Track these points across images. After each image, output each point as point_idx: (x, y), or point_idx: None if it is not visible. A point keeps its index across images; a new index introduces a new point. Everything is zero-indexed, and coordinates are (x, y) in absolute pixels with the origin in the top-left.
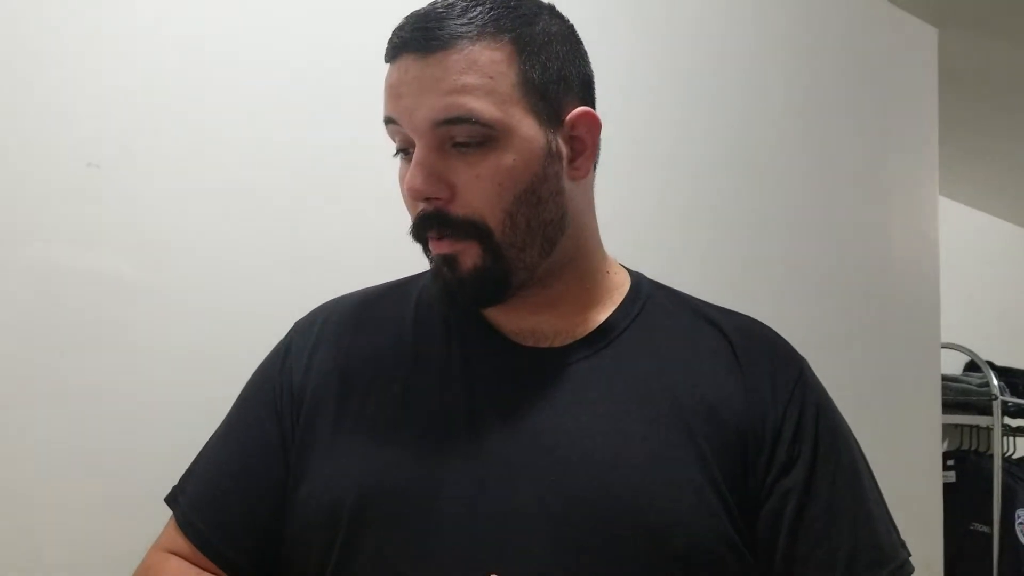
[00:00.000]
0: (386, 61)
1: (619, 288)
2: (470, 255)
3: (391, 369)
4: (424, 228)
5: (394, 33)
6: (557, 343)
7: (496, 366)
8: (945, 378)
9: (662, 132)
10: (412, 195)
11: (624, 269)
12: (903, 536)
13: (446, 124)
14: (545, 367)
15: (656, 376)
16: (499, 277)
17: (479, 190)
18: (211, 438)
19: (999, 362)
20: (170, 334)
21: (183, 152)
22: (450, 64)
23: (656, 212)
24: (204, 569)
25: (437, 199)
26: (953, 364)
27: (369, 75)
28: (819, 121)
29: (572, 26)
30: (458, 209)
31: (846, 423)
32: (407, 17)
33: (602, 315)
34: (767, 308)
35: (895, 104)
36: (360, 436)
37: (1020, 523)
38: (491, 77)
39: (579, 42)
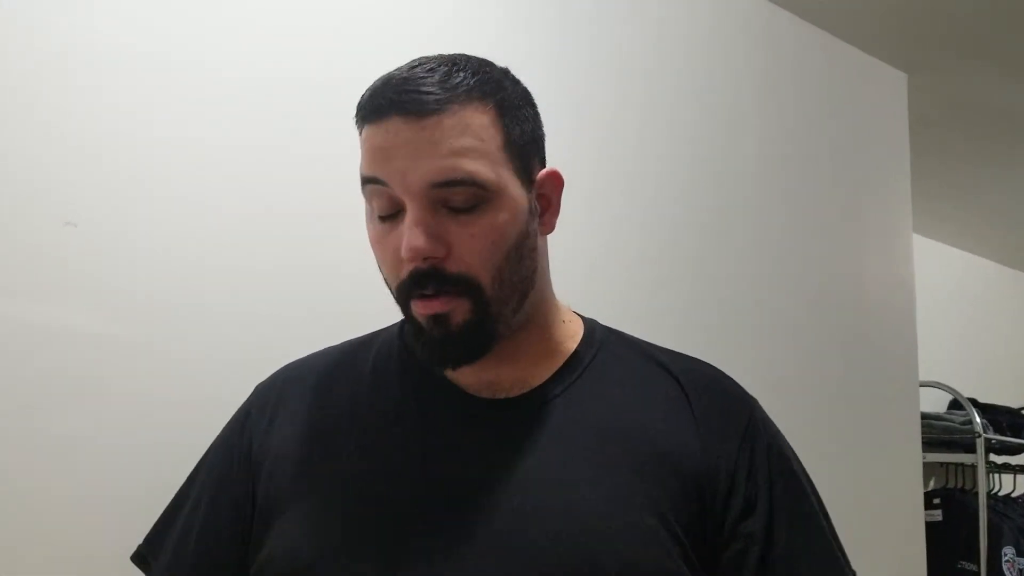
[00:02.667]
0: (364, 122)
1: (573, 336)
2: (460, 311)
3: (348, 432)
4: (418, 285)
5: (373, 95)
6: (513, 393)
7: (451, 420)
8: (928, 416)
9: (637, 179)
10: (414, 254)
11: (578, 316)
12: None
13: (443, 186)
14: (499, 417)
15: (609, 422)
16: (487, 331)
17: (473, 248)
18: (172, 502)
19: (982, 399)
20: (146, 390)
21: (160, 211)
22: (445, 128)
23: (632, 262)
24: None
25: (434, 257)
26: (936, 402)
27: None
28: (792, 165)
29: (527, 88)
30: (452, 266)
31: (798, 459)
32: (384, 81)
33: (557, 364)
34: (741, 352)
35: (867, 148)
36: (318, 500)
37: (1007, 560)
38: (483, 140)
39: (535, 103)
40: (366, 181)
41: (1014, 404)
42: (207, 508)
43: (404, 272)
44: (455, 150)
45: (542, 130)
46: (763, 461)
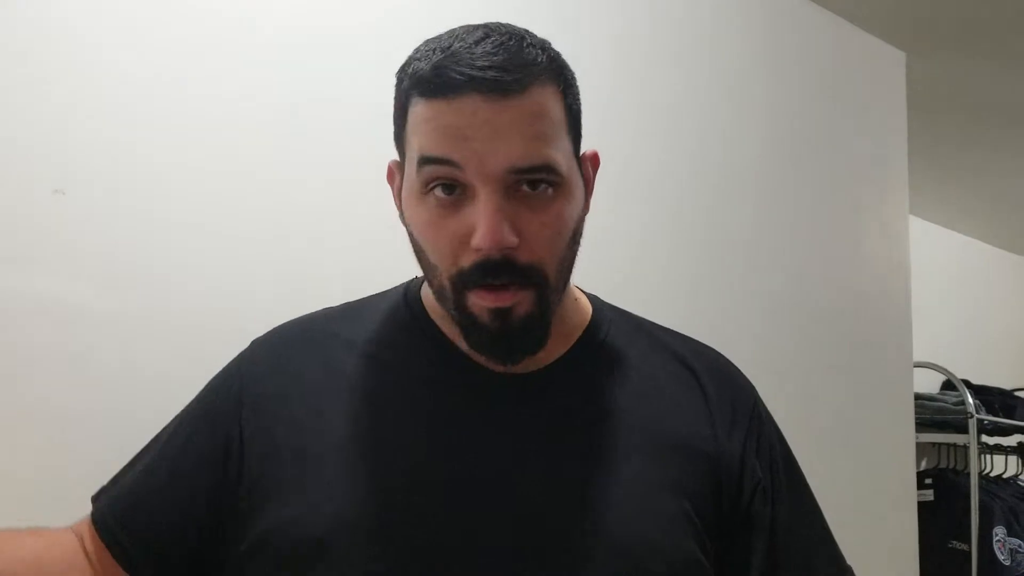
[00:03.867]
0: (428, 96)
1: (583, 315)
2: (524, 304)
3: (356, 394)
4: (490, 275)
5: (440, 68)
6: (529, 369)
7: (468, 394)
8: (921, 397)
9: (635, 156)
10: (494, 244)
11: (583, 293)
12: (881, 555)
13: (522, 172)
14: (515, 393)
15: (623, 402)
16: (546, 322)
17: (543, 237)
18: (146, 447)
19: (976, 381)
20: (136, 360)
21: (150, 178)
22: (525, 110)
23: (635, 241)
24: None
25: (509, 247)
26: (930, 383)
27: (340, 106)
28: (789, 144)
29: None
30: (523, 256)
31: (787, 445)
32: (447, 53)
33: (569, 342)
34: (736, 332)
35: (864, 127)
36: (324, 465)
37: (998, 540)
38: (555, 123)
39: None
40: (430, 161)
41: (1007, 386)
42: (180, 464)
43: (467, 260)
44: (536, 135)
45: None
46: (767, 448)
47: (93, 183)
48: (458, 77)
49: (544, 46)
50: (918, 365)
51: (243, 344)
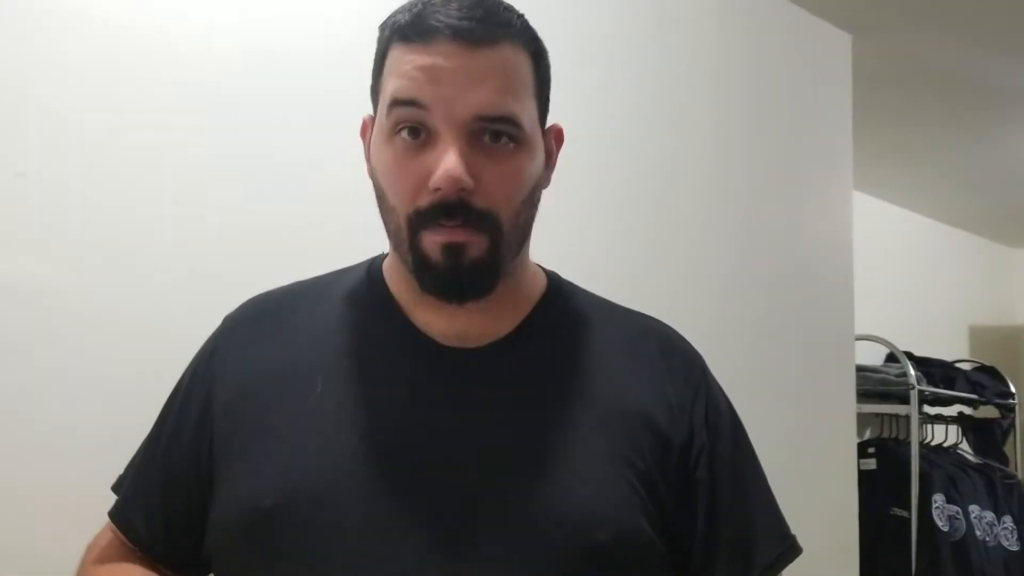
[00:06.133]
0: (404, 41)
1: (539, 288)
2: (477, 247)
3: (311, 370)
4: (444, 215)
5: (419, 16)
6: (482, 343)
7: (419, 367)
8: (864, 369)
9: (582, 132)
10: (451, 184)
11: (540, 268)
12: (823, 522)
13: (487, 120)
14: (466, 366)
15: (574, 374)
16: (496, 271)
17: (501, 186)
18: (148, 435)
19: (918, 353)
20: (97, 342)
21: (114, 161)
22: (496, 61)
23: (585, 214)
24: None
25: (463, 190)
26: (874, 355)
27: (309, 77)
28: (736, 122)
29: None
30: (479, 201)
31: (736, 413)
32: (425, 4)
33: (522, 315)
34: (681, 304)
35: (810, 107)
36: (280, 439)
37: (937, 507)
38: (524, 83)
39: None
40: (399, 103)
41: (948, 358)
42: (165, 454)
43: (424, 201)
44: (503, 87)
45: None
46: (715, 415)
47: (55, 166)
48: (435, 24)
49: (518, 14)
50: (862, 338)
51: (213, 325)
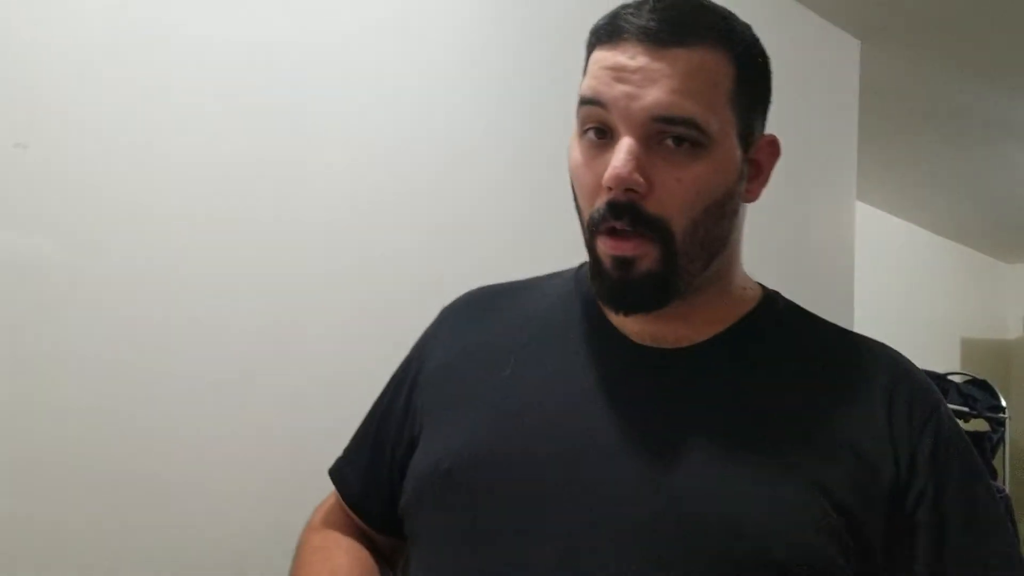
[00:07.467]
0: (598, 43)
1: (747, 303)
2: (647, 259)
3: (507, 352)
4: (614, 216)
5: (620, 14)
6: (676, 346)
7: (609, 359)
8: None
9: None
10: (617, 182)
11: (759, 286)
12: None
13: (664, 122)
14: (655, 363)
15: (770, 388)
16: (670, 284)
17: (676, 193)
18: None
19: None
20: (96, 317)
21: (114, 132)
22: (681, 63)
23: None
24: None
25: (634, 192)
26: None
27: (311, 65)
28: None
29: (766, 52)
30: (650, 206)
31: (982, 464)
32: (629, 8)
33: (723, 327)
34: None
35: (817, 112)
36: (469, 408)
37: None
38: (714, 86)
39: (770, 70)
40: (585, 102)
41: (940, 370)
42: (380, 419)
43: (600, 201)
44: (687, 89)
45: (770, 97)
46: (946, 455)
47: (55, 137)
48: (625, 25)
49: (727, 16)
50: None
51: (205, 304)
